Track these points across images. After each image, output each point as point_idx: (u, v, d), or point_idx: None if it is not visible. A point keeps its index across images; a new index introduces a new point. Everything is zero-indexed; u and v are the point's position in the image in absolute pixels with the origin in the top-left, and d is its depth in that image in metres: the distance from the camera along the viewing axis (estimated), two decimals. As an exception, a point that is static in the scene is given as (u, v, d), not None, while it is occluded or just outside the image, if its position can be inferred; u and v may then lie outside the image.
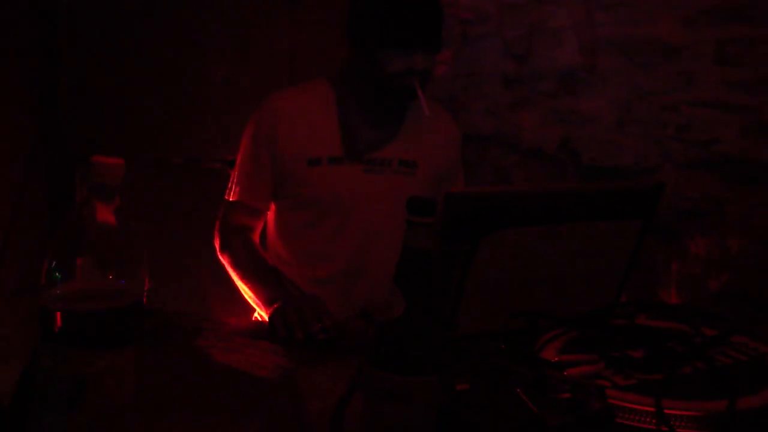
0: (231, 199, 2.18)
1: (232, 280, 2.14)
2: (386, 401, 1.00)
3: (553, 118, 2.84)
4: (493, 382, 1.26)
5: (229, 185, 2.20)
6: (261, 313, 2.05)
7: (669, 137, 2.60)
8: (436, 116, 2.19)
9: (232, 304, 2.28)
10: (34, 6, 3.36)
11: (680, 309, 1.82)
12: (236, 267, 2.11)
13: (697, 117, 2.54)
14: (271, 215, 2.22)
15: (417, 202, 1.00)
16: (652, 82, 2.62)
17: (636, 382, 1.27)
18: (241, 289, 2.11)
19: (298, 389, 1.37)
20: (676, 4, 2.56)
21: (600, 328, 1.54)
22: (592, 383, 1.21)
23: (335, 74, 2.21)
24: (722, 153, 2.51)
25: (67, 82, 3.44)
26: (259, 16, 3.14)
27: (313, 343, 1.66)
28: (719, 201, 2.53)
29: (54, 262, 0.98)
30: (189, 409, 1.27)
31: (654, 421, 1.14)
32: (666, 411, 1.14)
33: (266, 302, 1.95)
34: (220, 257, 2.17)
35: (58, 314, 0.96)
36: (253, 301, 2.07)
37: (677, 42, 2.56)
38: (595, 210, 1.61)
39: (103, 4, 3.37)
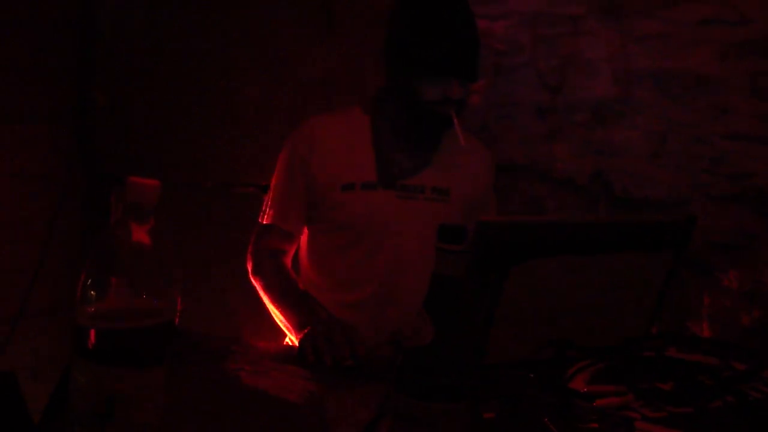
0: (264, 223, 2.19)
1: (264, 304, 2.15)
2: (413, 427, 1.00)
3: (585, 149, 2.83)
4: (521, 410, 1.26)
5: (263, 208, 2.21)
6: (292, 338, 2.05)
7: (702, 170, 2.59)
8: (470, 144, 2.20)
9: (263, 327, 2.29)
10: (70, 30, 3.41)
11: (711, 342, 1.80)
12: (268, 290, 2.12)
13: (731, 150, 2.52)
14: (303, 239, 2.23)
15: (447, 230, 1.00)
16: (686, 114, 2.61)
17: (665, 415, 1.26)
18: (272, 313, 2.12)
19: (326, 414, 1.37)
20: (711, 37, 2.55)
21: (630, 359, 1.53)
22: (620, 414, 1.20)
23: (369, 101, 2.23)
24: (756, 186, 2.49)
25: (101, 105, 3.48)
26: (293, 41, 3.17)
27: (341, 368, 1.66)
28: (752, 235, 2.51)
29: (88, 281, 0.99)
30: (216, 430, 1.27)
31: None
32: (695, 444, 1.13)
33: (296, 327, 1.95)
34: (252, 280, 2.18)
35: (92, 332, 0.97)
36: (284, 325, 2.07)
37: (711, 74, 2.56)
38: (627, 241, 1.60)
39: (137, 29, 3.41)
